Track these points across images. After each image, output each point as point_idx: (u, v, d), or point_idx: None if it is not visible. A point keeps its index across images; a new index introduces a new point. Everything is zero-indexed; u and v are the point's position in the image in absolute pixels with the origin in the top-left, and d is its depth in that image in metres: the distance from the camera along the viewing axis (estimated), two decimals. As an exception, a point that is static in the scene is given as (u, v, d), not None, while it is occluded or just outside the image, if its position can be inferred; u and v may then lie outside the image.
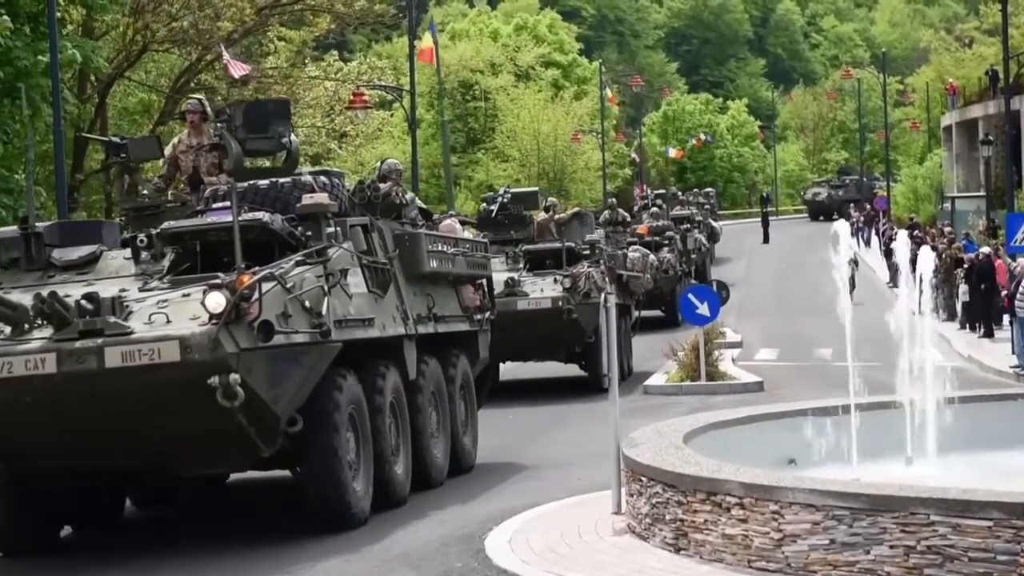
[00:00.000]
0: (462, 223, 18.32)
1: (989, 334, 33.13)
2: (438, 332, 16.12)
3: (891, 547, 9.42)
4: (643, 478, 11.54)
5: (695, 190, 69.49)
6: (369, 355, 14.25)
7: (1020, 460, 13.39)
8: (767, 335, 36.29)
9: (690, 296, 26.66)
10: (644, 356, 29.84)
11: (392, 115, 60.41)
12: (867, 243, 64.95)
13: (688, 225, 47.24)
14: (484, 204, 30.31)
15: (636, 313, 31.68)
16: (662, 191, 61.00)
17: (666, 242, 41.01)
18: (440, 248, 16.07)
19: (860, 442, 13.33)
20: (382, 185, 15.39)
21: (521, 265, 26.63)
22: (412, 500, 15.35)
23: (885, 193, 75.56)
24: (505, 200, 28.97)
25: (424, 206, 18.01)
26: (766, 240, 71.35)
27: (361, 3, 37.51)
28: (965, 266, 34.95)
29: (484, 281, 18.27)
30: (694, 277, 43.94)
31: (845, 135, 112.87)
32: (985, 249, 35.23)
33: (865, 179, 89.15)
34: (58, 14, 25.26)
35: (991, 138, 48.44)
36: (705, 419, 14.43)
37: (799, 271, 51.14)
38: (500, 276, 24.19)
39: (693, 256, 45.78)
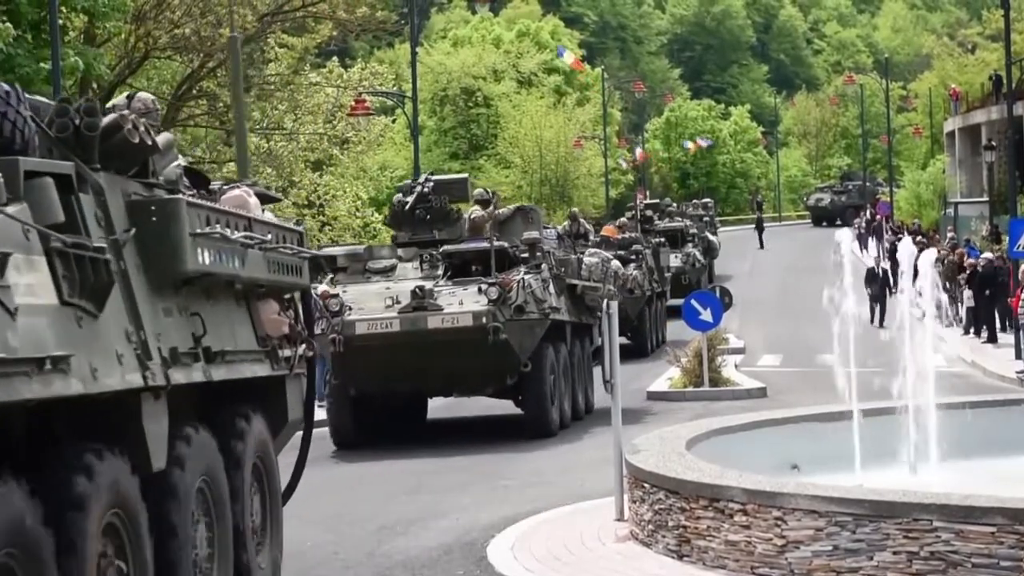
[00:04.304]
0: (262, 198, 11.36)
1: (992, 339, 33.12)
2: (213, 381, 9.22)
3: (894, 553, 9.40)
4: (646, 484, 11.52)
5: (693, 201, 66.48)
6: (60, 433, 7.90)
7: (1023, 466, 13.37)
8: (770, 341, 36.27)
9: (693, 302, 26.71)
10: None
11: (394, 121, 60.42)
12: (866, 248, 64.89)
13: (661, 240, 40.98)
14: (399, 195, 23.67)
15: (599, 338, 22.99)
16: (655, 201, 57.96)
17: (633, 257, 34.38)
18: (219, 233, 9.25)
19: (863, 448, 13.31)
20: (111, 115, 8.76)
21: (440, 271, 21.12)
22: (413, 507, 15.33)
23: (888, 199, 75.55)
24: (425, 190, 22.79)
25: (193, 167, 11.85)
26: (761, 246, 71.40)
27: (363, 10, 37.56)
28: (967, 271, 34.98)
29: (298, 295, 11.59)
30: None
31: (848, 141, 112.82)
32: (988, 255, 35.23)
33: (868, 184, 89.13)
34: (60, 21, 25.27)
35: (994, 143, 48.43)
36: (708, 425, 14.44)
37: (801, 277, 51.04)
38: (408, 285, 20.42)
39: (669, 275, 40.27)
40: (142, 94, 10.61)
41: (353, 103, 39.74)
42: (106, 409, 7.90)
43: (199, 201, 9.35)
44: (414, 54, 44.23)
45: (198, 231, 8.93)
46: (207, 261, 9.08)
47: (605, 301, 14.31)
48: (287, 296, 11.37)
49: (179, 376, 8.65)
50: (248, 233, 9.92)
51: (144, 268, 8.60)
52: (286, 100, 38.20)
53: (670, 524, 11.06)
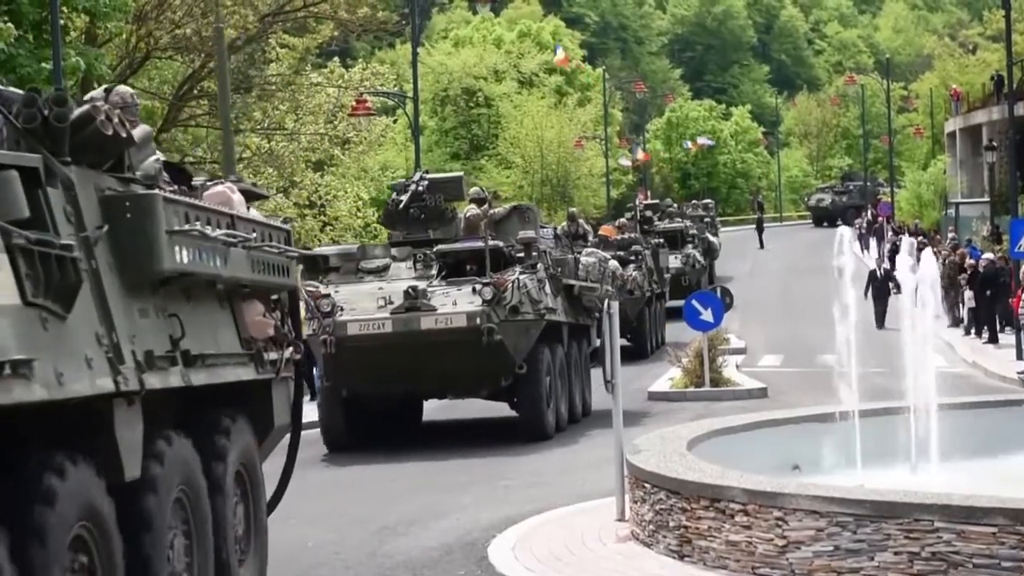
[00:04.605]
0: (248, 194, 10.91)
1: (994, 340, 33.12)
2: (193, 385, 8.84)
3: (895, 553, 9.40)
4: (647, 485, 11.53)
5: (693, 201, 65.35)
6: (25, 441, 7.35)
7: (1024, 466, 13.39)
8: (771, 341, 36.26)
9: (694, 302, 26.71)
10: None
11: (395, 121, 60.42)
12: (867, 248, 64.94)
13: (660, 241, 40.11)
14: (393, 193, 23.31)
15: (597, 339, 23.44)
16: (655, 202, 56.90)
17: (632, 258, 34.20)
18: (198, 230, 8.85)
19: (864, 448, 13.32)
20: (84, 106, 8.29)
21: (433, 271, 20.79)
22: (414, 507, 15.34)
23: (889, 199, 75.58)
24: (420, 188, 22.26)
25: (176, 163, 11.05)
26: (761, 246, 71.50)
27: (364, 10, 37.55)
28: (968, 272, 34.99)
29: (285, 296, 11.20)
30: None
31: (849, 141, 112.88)
32: (989, 255, 35.24)
33: (869, 184, 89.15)
34: (61, 21, 25.26)
35: (995, 144, 48.42)
36: (709, 425, 14.45)
37: (802, 278, 51.10)
38: (401, 285, 20.10)
39: (668, 276, 39.68)
40: (121, 87, 10.17)
41: (354, 103, 39.72)
42: (75, 416, 7.45)
43: (177, 197, 8.87)
44: (415, 54, 44.24)
45: (176, 228, 8.51)
46: (185, 260, 8.65)
47: (606, 301, 14.23)
48: (274, 297, 10.91)
49: (155, 381, 8.17)
50: (230, 231, 9.43)
51: (117, 267, 8.11)
52: (287, 100, 38.18)
53: (671, 524, 11.06)
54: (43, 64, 24.86)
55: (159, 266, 8.33)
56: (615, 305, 13.72)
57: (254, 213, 10.71)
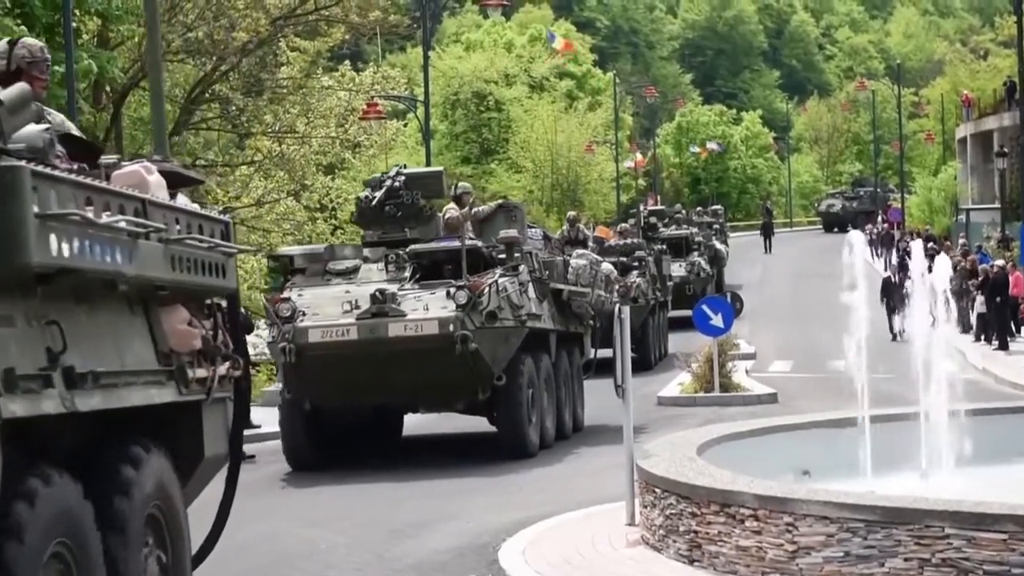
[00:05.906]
0: (173, 177, 8.89)
1: (1004, 346, 33.09)
2: (80, 412, 6.93)
3: (905, 560, 9.40)
4: (657, 489, 11.54)
5: (698, 208, 63.83)
6: None
7: (1035, 473, 13.38)
8: (781, 346, 36.24)
9: (704, 307, 26.70)
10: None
11: (406, 125, 60.46)
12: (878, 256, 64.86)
13: (663, 247, 38.81)
14: (367, 189, 21.12)
15: (591, 350, 22.95)
16: (660, 208, 54.87)
17: (636, 264, 32.94)
18: (82, 216, 6.83)
19: (874, 454, 13.32)
20: None
21: (407, 273, 18.97)
22: (423, 510, 15.36)
23: (899, 205, 75.57)
24: (396, 184, 20.26)
25: (81, 134, 9.16)
26: (768, 250, 71.60)
27: (375, 13, 37.63)
28: (979, 278, 34.98)
29: (222, 302, 9.21)
30: None
31: (859, 147, 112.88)
32: (999, 261, 35.23)
33: (880, 190, 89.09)
34: (74, 24, 25.33)
35: (1006, 150, 48.43)
36: (719, 431, 14.45)
37: (812, 283, 51.03)
38: (370, 289, 18.38)
39: (671, 284, 37.99)
40: (28, 39, 8.35)
41: (365, 107, 39.79)
42: None
43: (58, 174, 6.75)
44: (426, 58, 44.27)
45: (56, 212, 6.55)
46: (66, 252, 6.61)
47: (617, 306, 14.09)
48: (207, 302, 9.01)
49: (16, 407, 6.25)
50: (138, 219, 7.46)
51: None
52: (298, 104, 38.27)
53: (681, 529, 11.07)
54: (55, 67, 24.89)
55: (25, 259, 6.34)
56: (626, 310, 13.65)
57: (183, 200, 8.88)
